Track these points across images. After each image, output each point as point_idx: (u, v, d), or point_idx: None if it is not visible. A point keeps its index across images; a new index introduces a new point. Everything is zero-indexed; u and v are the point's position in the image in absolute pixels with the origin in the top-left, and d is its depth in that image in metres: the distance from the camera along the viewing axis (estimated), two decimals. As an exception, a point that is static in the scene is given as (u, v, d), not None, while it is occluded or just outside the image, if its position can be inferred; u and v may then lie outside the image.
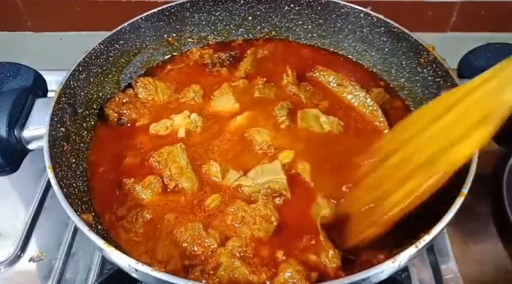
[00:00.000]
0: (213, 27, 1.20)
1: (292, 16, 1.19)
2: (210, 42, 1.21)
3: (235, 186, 0.87)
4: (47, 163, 0.79)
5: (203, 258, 0.78)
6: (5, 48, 1.50)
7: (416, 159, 0.73)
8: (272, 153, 0.92)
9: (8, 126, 0.86)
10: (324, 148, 0.94)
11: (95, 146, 0.98)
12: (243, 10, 1.19)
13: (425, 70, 1.03)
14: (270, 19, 1.21)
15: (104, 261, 0.97)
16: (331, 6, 1.14)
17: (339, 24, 1.16)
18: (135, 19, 1.09)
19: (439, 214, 0.72)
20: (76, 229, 1.01)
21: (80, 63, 0.97)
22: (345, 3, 1.12)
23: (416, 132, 0.77)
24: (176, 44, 1.19)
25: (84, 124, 0.98)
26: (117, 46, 1.07)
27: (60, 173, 0.81)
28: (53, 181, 0.77)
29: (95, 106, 1.02)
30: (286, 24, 1.21)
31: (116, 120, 1.01)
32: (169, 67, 1.15)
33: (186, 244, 0.79)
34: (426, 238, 0.68)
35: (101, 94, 1.04)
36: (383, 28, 1.09)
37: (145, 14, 1.10)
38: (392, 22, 1.07)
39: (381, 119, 1.01)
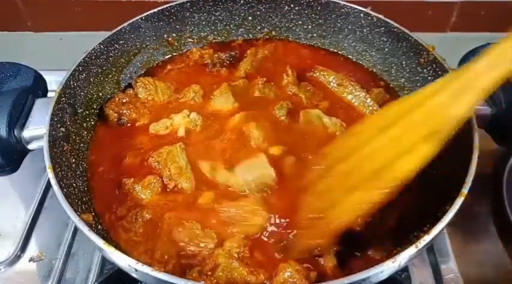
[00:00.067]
0: (213, 27, 1.20)
1: (292, 16, 1.19)
2: (210, 42, 1.21)
3: (225, 183, 0.87)
4: (47, 163, 0.79)
5: (201, 258, 0.77)
6: (5, 48, 1.50)
7: (363, 170, 0.71)
8: (265, 148, 0.92)
9: (8, 126, 0.86)
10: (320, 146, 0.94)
11: (95, 146, 0.98)
12: (243, 10, 1.19)
13: (425, 70, 1.02)
14: (270, 19, 1.21)
15: (104, 261, 0.97)
16: (331, 6, 1.14)
17: (339, 24, 1.16)
18: (135, 19, 1.09)
19: (439, 214, 0.72)
20: (76, 229, 1.01)
21: (80, 63, 0.97)
22: (345, 3, 1.12)
23: (365, 141, 0.73)
24: (176, 44, 1.19)
25: (84, 124, 0.98)
26: (117, 46, 1.07)
27: (60, 173, 0.81)
28: (53, 181, 0.77)
29: (95, 106, 1.02)
30: (286, 24, 1.21)
31: (116, 120, 1.01)
32: (169, 67, 1.15)
33: (183, 244, 0.79)
34: (426, 238, 0.68)
35: (101, 94, 1.04)
36: (383, 28, 1.09)
37: (145, 14, 1.10)
38: (392, 22, 1.07)
39: (381, 119, 1.01)
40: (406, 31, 1.04)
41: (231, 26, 1.21)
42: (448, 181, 0.80)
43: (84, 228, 0.70)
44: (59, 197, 0.75)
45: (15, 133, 0.88)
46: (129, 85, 1.08)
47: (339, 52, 1.19)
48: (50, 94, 0.98)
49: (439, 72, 0.98)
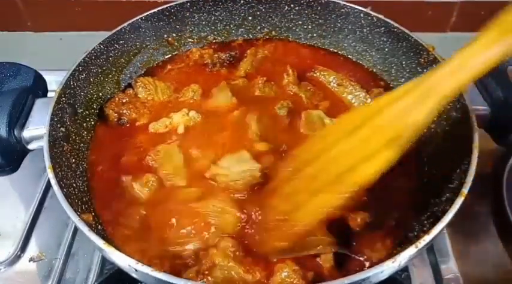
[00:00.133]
0: (213, 27, 1.20)
1: (292, 16, 1.19)
2: (210, 42, 1.21)
3: (224, 181, 0.86)
4: (47, 163, 0.79)
5: (197, 258, 0.77)
6: (5, 48, 1.50)
7: (329, 173, 0.71)
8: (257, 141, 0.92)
9: (8, 126, 0.86)
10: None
11: (95, 146, 0.97)
12: (243, 10, 1.19)
13: (425, 70, 1.02)
14: (270, 19, 1.21)
15: (104, 261, 0.97)
16: (331, 6, 1.14)
17: (339, 24, 1.16)
18: (135, 19, 1.08)
19: (439, 214, 0.72)
20: (76, 229, 1.01)
21: (80, 63, 0.97)
22: (345, 3, 1.12)
23: (332, 143, 0.73)
24: (176, 44, 1.19)
25: (84, 124, 0.98)
26: (117, 46, 1.07)
27: (60, 173, 0.81)
28: (53, 181, 0.77)
29: (95, 106, 1.02)
30: (286, 24, 1.21)
31: (115, 120, 1.01)
32: (169, 67, 1.15)
33: (176, 243, 0.79)
34: (426, 238, 0.68)
35: (101, 94, 1.04)
36: (383, 28, 1.09)
37: (145, 14, 1.10)
38: (392, 22, 1.07)
39: (381, 119, 1.00)
40: (406, 31, 1.04)
41: (231, 26, 1.21)
42: (448, 181, 0.80)
43: (84, 228, 0.70)
44: (59, 197, 0.75)
45: (15, 133, 0.88)
46: (129, 85, 1.08)
47: (339, 52, 1.19)
48: (50, 94, 0.98)
49: (439, 72, 0.98)
